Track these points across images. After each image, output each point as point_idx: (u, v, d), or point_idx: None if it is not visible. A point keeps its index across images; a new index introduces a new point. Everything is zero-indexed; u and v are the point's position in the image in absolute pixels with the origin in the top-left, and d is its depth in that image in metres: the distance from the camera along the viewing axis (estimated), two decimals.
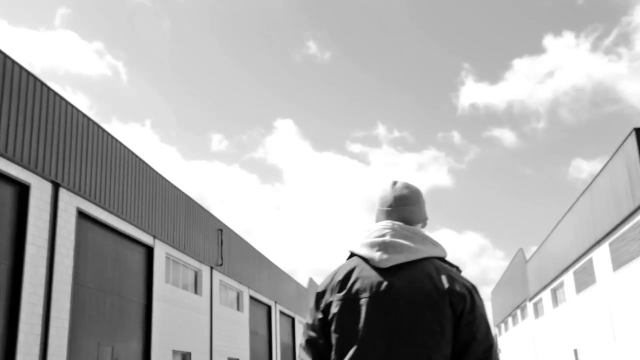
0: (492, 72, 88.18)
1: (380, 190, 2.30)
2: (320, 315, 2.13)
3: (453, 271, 2.11)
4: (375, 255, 2.09)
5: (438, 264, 2.10)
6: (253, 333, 33.56)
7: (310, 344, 2.13)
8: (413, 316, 1.99)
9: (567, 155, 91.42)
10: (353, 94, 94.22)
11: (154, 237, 21.74)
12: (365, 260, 2.12)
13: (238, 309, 31.69)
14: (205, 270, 26.72)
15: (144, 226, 20.88)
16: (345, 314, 2.04)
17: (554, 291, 34.21)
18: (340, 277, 2.11)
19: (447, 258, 2.16)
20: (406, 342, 1.96)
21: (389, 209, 2.22)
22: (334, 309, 2.07)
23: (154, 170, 22.04)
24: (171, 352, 22.33)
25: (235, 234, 31.55)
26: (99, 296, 18.14)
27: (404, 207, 2.22)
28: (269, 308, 37.73)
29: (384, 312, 2.00)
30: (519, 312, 47.52)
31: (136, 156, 20.64)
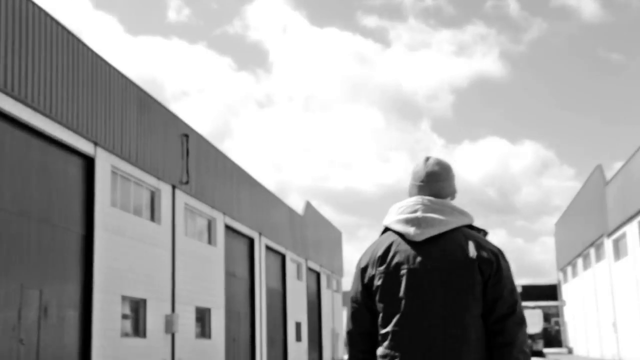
0: None
1: (414, 165, 3.47)
2: (364, 290, 3.28)
3: (481, 238, 3.27)
4: (410, 230, 3.22)
5: (467, 232, 3.25)
6: (230, 274, 34.60)
7: (355, 315, 3.29)
8: (447, 282, 3.14)
9: None
10: None
11: (95, 144, 22.03)
12: (401, 235, 3.26)
13: (210, 242, 32.50)
14: (165, 190, 27.25)
15: (82, 129, 21.12)
16: (388, 285, 3.20)
17: None
18: (380, 252, 3.26)
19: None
20: (442, 305, 3.12)
21: (421, 184, 3.37)
22: (377, 282, 3.23)
23: (90, 50, 22.03)
24: (119, 298, 23.18)
25: (206, 141, 31.86)
26: (22, 223, 18.64)
27: (435, 182, 3.35)
28: (251, 241, 38.66)
29: (422, 281, 3.15)
30: (592, 251, 48.63)
31: (64, 29, 20.58)
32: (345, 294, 78.42)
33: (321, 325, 55.75)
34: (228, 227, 34.73)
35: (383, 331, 3.19)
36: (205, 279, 31.04)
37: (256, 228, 38.89)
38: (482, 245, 3.21)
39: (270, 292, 42.01)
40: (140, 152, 25.17)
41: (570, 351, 64.31)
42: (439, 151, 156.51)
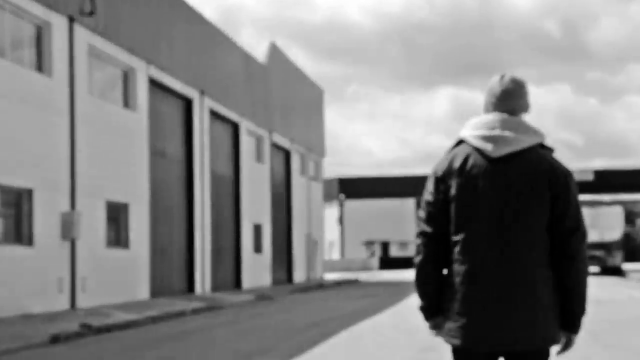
0: None
1: (490, 82, 5.38)
2: (441, 197, 5.21)
3: (553, 158, 5.21)
4: (488, 146, 5.14)
5: (540, 152, 5.18)
6: (157, 153, 35.03)
7: (434, 217, 5.23)
8: (519, 196, 5.06)
9: None
10: None
11: None
12: (477, 149, 5.17)
13: (126, 104, 32.72)
14: (57, 25, 27.22)
15: None
16: (464, 195, 5.13)
17: None
18: (458, 164, 5.18)
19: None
20: (514, 216, 5.07)
21: (497, 101, 5.31)
22: (454, 191, 5.15)
23: None
24: None
25: None
26: None
27: (511, 100, 5.30)
28: (189, 104, 38.90)
29: (497, 193, 5.08)
30: None
31: None
32: (328, 182, 78.93)
33: (291, 228, 56.76)
34: (154, 82, 34.88)
35: (456, 238, 5.16)
36: (121, 160, 31.42)
37: (195, 84, 39.06)
38: (554, 165, 5.16)
39: (216, 180, 42.54)
40: None
41: None
42: None
